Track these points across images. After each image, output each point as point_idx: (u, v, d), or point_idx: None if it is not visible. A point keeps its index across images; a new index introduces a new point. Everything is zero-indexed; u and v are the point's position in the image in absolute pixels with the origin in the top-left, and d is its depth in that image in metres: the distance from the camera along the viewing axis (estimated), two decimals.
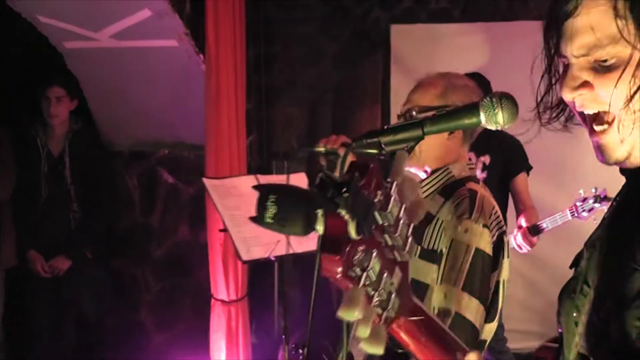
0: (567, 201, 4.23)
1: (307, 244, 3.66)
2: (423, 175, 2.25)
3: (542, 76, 1.23)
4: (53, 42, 4.83)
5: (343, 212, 0.92)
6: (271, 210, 1.16)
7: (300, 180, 3.97)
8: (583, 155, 4.74)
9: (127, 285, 5.41)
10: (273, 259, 3.62)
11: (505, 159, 4.22)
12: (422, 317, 1.05)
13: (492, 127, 1.41)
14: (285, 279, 3.96)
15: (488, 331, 2.09)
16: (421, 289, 2.02)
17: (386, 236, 0.97)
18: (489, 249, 2.02)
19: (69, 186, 4.55)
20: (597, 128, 1.14)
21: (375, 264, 0.96)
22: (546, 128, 1.26)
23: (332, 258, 0.91)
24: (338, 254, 0.91)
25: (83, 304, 4.67)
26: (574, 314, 1.20)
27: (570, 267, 1.30)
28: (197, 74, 4.76)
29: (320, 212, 0.94)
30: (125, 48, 4.77)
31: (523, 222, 4.23)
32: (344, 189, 0.92)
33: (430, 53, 5.43)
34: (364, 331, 0.94)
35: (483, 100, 1.41)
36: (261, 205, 1.18)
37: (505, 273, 2.11)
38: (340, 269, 0.91)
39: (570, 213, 4.12)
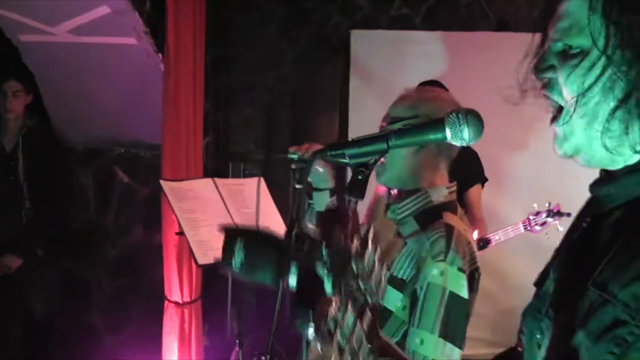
0: (522, 214, 4.28)
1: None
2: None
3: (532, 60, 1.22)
4: (7, 34, 4.74)
5: (319, 270, 0.91)
6: (239, 257, 1.15)
7: (255, 185, 3.95)
8: (540, 168, 4.82)
9: (78, 285, 5.33)
10: None
11: (461, 170, 4.20)
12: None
13: (457, 143, 1.42)
14: (239, 282, 3.95)
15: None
16: (385, 314, 2.03)
17: (359, 281, 0.97)
18: (464, 292, 2.02)
19: (22, 183, 4.45)
20: (554, 115, 1.16)
21: (349, 316, 0.96)
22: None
23: (306, 313, 0.91)
24: (311, 308, 0.91)
25: (32, 304, 4.57)
26: (538, 336, 1.20)
27: (534, 285, 1.31)
28: (156, 73, 4.71)
29: (293, 266, 0.94)
30: (82, 44, 4.70)
31: (475, 234, 4.25)
32: (322, 246, 0.92)
33: (389, 59, 5.47)
34: None
35: (449, 115, 1.41)
36: (228, 251, 1.16)
37: (473, 307, 2.13)
38: (313, 326, 0.91)
39: (523, 226, 4.18)
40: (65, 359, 5.02)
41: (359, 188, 1.46)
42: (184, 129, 4.55)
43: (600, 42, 1.07)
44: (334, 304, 0.94)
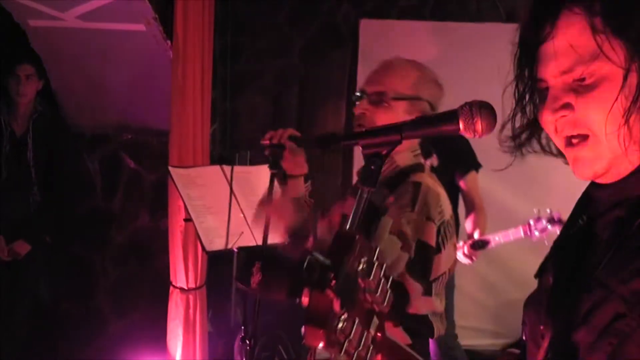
0: (528, 210, 4.25)
1: (270, 237, 3.67)
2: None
3: (515, 102, 1.23)
4: (17, 19, 4.74)
5: (330, 293, 0.96)
6: (256, 277, 1.21)
7: (262, 172, 3.96)
8: (549, 163, 4.76)
9: (85, 270, 5.34)
10: (236, 250, 3.63)
11: (454, 159, 4.08)
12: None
13: (470, 136, 1.42)
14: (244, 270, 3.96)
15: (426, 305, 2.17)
16: None
17: (367, 295, 1.03)
18: (432, 241, 2.10)
19: (31, 168, 4.44)
20: (574, 140, 1.14)
21: (357, 328, 1.02)
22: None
23: (316, 331, 0.96)
24: (322, 328, 0.96)
25: (40, 289, 4.58)
26: (540, 327, 1.20)
27: (535, 277, 1.31)
28: (164, 60, 4.71)
29: (306, 288, 1.00)
30: (91, 29, 4.70)
31: (470, 226, 4.21)
32: (331, 273, 0.98)
33: (398, 49, 5.41)
34: None
35: (462, 108, 1.42)
36: (247, 271, 1.23)
37: (449, 260, 2.20)
38: (323, 342, 0.97)
39: (523, 231, 4.16)
40: (71, 343, 5.06)
41: (372, 177, 1.48)
42: (192, 116, 4.55)
43: (617, 60, 1.06)
44: (342, 318, 0.99)
